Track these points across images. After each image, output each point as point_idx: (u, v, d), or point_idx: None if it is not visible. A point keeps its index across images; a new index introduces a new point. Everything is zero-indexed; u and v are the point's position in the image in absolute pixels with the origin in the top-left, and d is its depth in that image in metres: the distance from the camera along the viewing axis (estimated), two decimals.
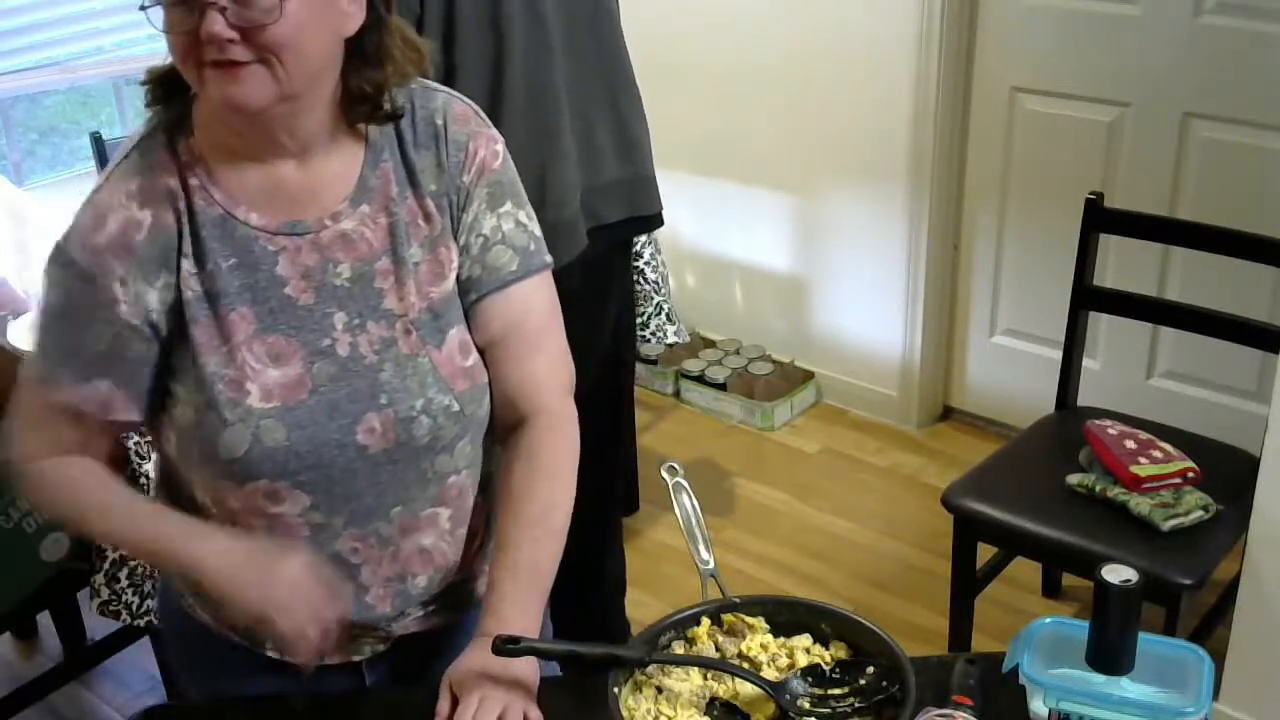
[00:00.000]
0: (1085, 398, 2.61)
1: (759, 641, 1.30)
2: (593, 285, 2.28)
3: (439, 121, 1.32)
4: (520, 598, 1.29)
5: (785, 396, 3.63)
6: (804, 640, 1.31)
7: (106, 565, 2.18)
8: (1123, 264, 2.95)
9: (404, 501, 1.32)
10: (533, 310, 1.36)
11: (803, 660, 1.28)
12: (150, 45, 3.04)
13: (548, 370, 1.38)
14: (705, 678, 1.28)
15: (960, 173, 3.33)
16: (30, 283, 2.70)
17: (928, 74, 3.17)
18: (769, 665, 1.28)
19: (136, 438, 2.04)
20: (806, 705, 1.24)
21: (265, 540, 1.29)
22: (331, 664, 1.39)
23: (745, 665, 1.29)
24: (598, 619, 2.54)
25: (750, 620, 1.32)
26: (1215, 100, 2.83)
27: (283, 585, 1.24)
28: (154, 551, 1.33)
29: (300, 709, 1.36)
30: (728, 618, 1.32)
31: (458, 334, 1.32)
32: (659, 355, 3.78)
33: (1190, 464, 2.25)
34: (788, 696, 1.24)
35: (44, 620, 2.77)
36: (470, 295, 1.33)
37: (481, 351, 1.35)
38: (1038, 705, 1.17)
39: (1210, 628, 2.36)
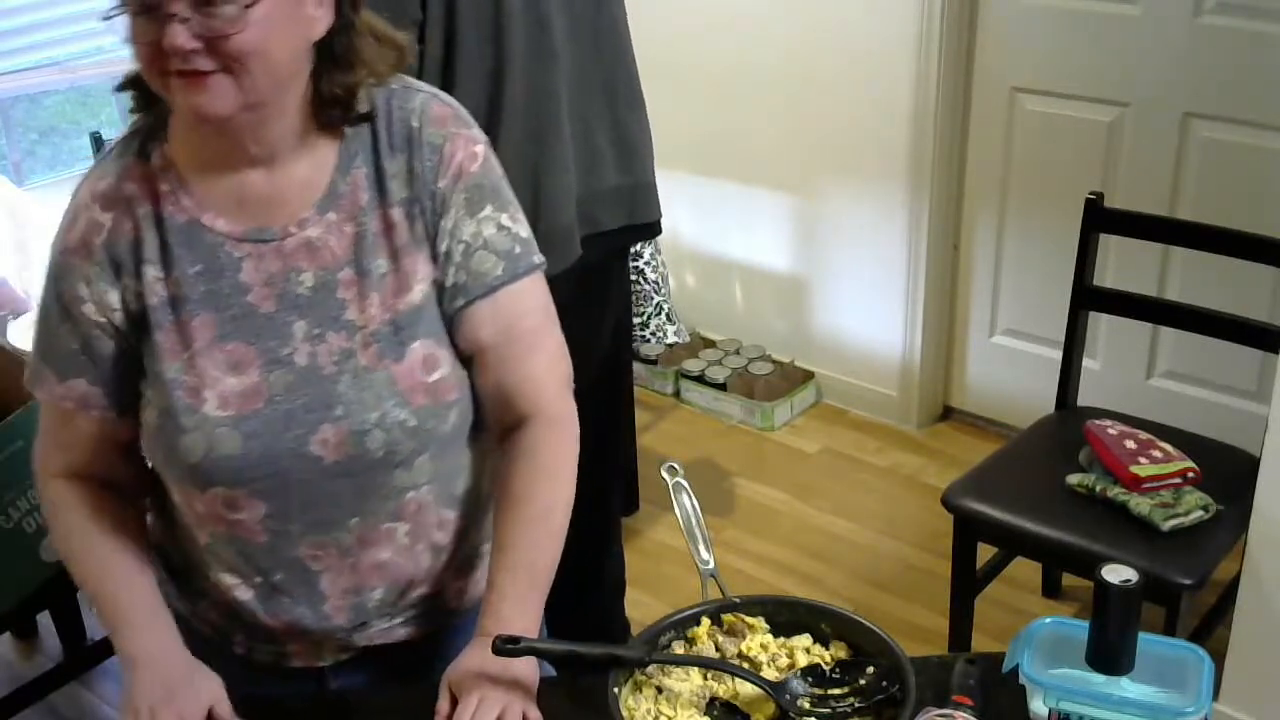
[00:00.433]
0: (1085, 398, 2.61)
1: (759, 641, 1.30)
2: (591, 291, 2.28)
3: (414, 124, 1.29)
4: (519, 598, 1.29)
5: (785, 396, 3.63)
6: (804, 640, 1.31)
7: None
8: (1123, 264, 2.95)
9: (361, 514, 1.31)
10: (524, 312, 1.34)
11: (803, 660, 1.28)
12: None
13: (545, 370, 1.36)
14: (705, 678, 1.28)
15: (960, 173, 3.32)
16: (30, 283, 2.70)
17: (928, 74, 3.17)
18: (769, 665, 1.28)
19: None
20: (806, 705, 1.24)
21: (188, 663, 1.30)
22: (294, 667, 1.40)
23: (745, 665, 1.28)
24: (596, 620, 2.53)
25: (750, 620, 1.32)
26: (1215, 100, 2.83)
27: (170, 714, 1.25)
28: (103, 617, 1.34)
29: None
30: (728, 618, 1.32)
31: (422, 348, 1.29)
32: (659, 355, 3.78)
33: (1190, 464, 2.25)
34: (788, 696, 1.24)
35: (44, 620, 2.77)
36: (457, 301, 1.30)
37: (474, 357, 1.33)
38: (1038, 705, 1.17)
39: (1210, 628, 2.36)
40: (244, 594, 1.35)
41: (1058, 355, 2.60)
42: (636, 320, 2.98)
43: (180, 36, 1.11)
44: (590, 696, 1.24)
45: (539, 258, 1.36)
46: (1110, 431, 2.33)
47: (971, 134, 3.27)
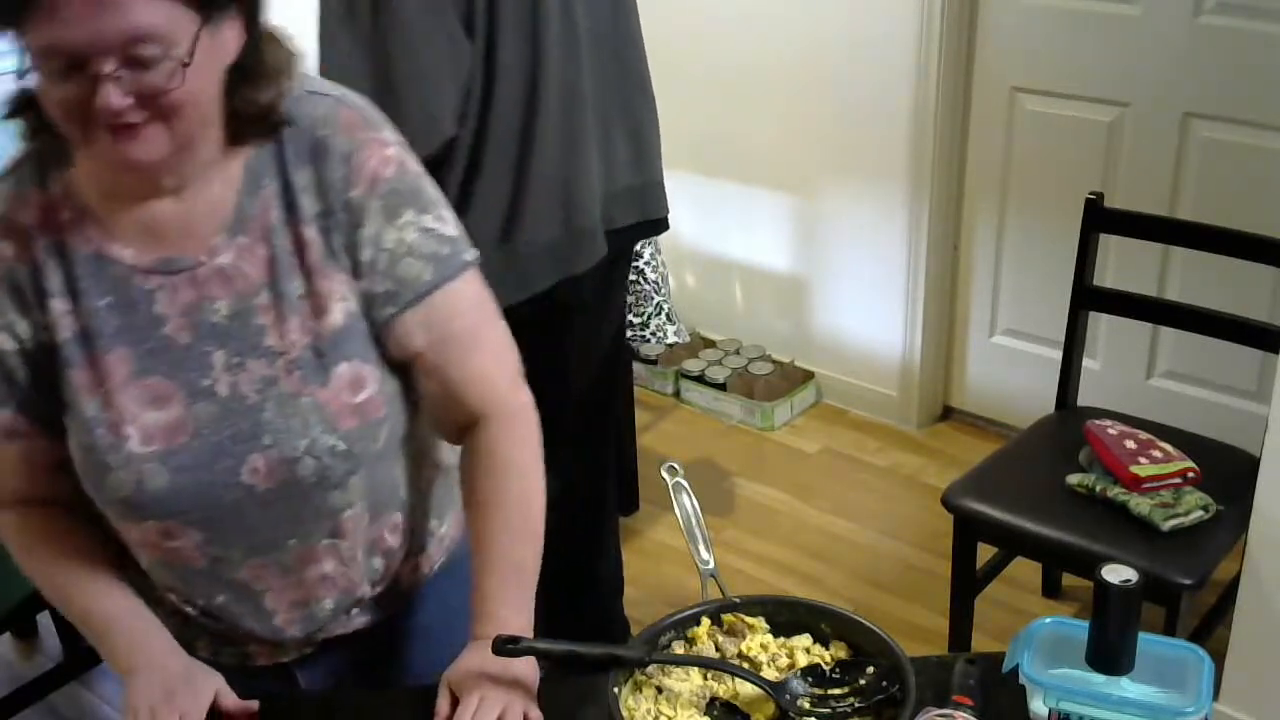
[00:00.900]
0: (1085, 398, 2.61)
1: (759, 641, 1.30)
2: (599, 289, 2.28)
3: (321, 133, 1.22)
4: (510, 599, 1.28)
5: (785, 396, 3.63)
6: (804, 640, 1.31)
7: None
8: (1123, 264, 2.95)
9: (298, 535, 1.28)
10: (459, 312, 1.29)
11: (803, 660, 1.28)
12: None
13: (492, 365, 1.32)
14: (705, 678, 1.28)
15: (960, 173, 3.32)
16: None
17: (928, 74, 3.17)
18: (769, 665, 1.28)
19: None
20: (806, 705, 1.24)
21: (185, 664, 1.30)
22: (260, 665, 1.39)
23: (745, 665, 1.28)
24: (595, 621, 2.53)
25: (750, 620, 1.32)
26: (1215, 100, 2.82)
27: (170, 712, 1.25)
28: (91, 639, 1.34)
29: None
30: (728, 618, 1.32)
31: (348, 369, 1.24)
32: (659, 355, 3.78)
33: (1190, 464, 2.25)
34: (788, 696, 1.24)
35: (44, 620, 2.77)
36: (387, 310, 1.25)
37: (411, 363, 1.29)
38: (1038, 705, 1.17)
39: (1210, 628, 2.36)
40: (192, 610, 1.35)
41: (1058, 355, 2.60)
42: (636, 320, 2.98)
43: (114, 97, 1.06)
44: (590, 696, 1.24)
45: (471, 254, 1.31)
46: (1110, 431, 2.33)
47: (971, 134, 3.27)
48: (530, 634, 1.27)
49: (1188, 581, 2.07)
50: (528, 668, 1.25)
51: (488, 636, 1.22)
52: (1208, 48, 2.80)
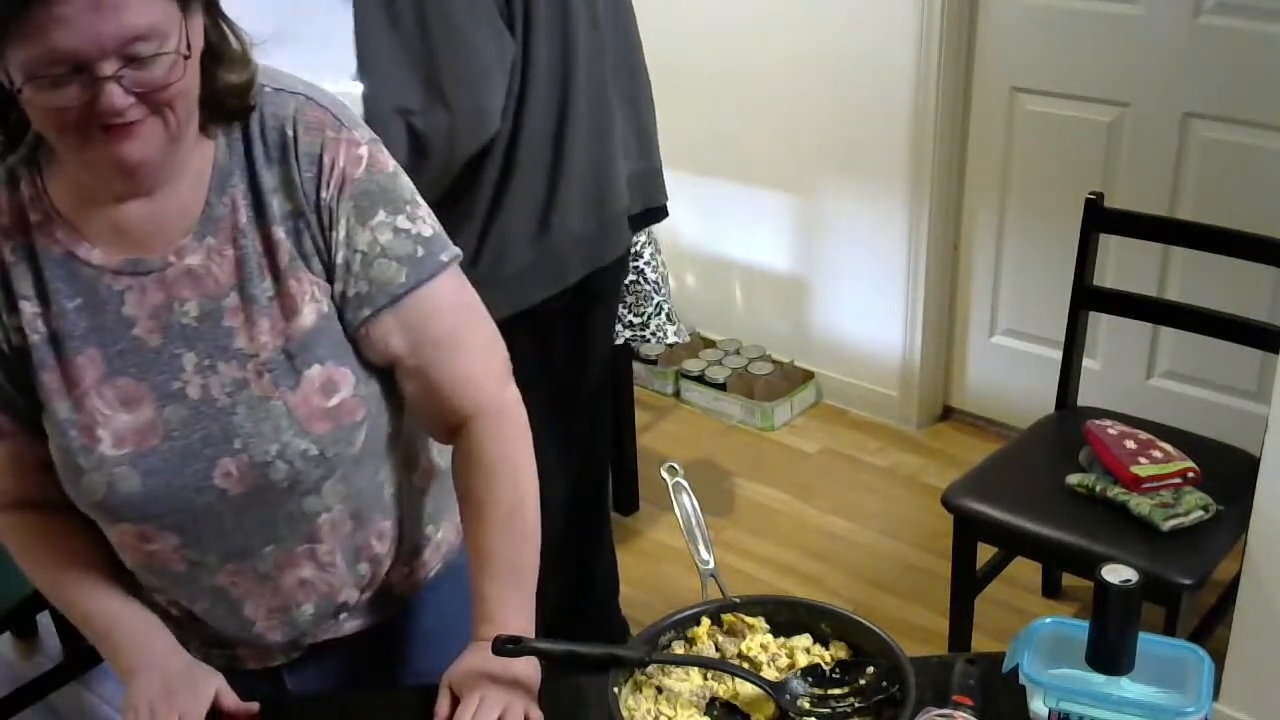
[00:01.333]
0: (1085, 398, 2.61)
1: (759, 641, 1.30)
2: (615, 277, 2.31)
3: (289, 131, 1.20)
4: (510, 600, 1.28)
5: (785, 396, 3.63)
6: (804, 640, 1.31)
7: None
8: (1123, 264, 2.95)
9: (274, 540, 1.28)
10: (438, 313, 1.26)
11: (803, 660, 1.28)
12: None
13: (478, 365, 1.30)
14: (705, 678, 1.28)
15: (960, 173, 3.32)
16: None
17: (928, 74, 3.17)
18: (769, 665, 1.28)
19: None
20: (806, 705, 1.24)
21: (186, 663, 1.31)
22: (248, 669, 1.39)
23: (745, 665, 1.28)
24: (591, 624, 2.53)
25: (750, 620, 1.32)
26: (1215, 100, 2.82)
27: (170, 710, 1.25)
28: (93, 640, 1.34)
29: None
30: (728, 618, 1.32)
31: (320, 372, 1.22)
32: (659, 355, 3.78)
33: (1190, 464, 2.25)
34: (788, 696, 1.24)
35: (44, 620, 2.77)
36: (362, 312, 1.23)
37: (392, 366, 1.27)
38: (1038, 705, 1.17)
39: (1210, 628, 2.36)
40: (176, 612, 1.35)
41: (1058, 355, 2.60)
42: (636, 320, 2.98)
43: (117, 97, 1.06)
44: (590, 696, 1.24)
45: (449, 254, 1.28)
46: (1110, 431, 2.33)
47: (971, 134, 3.27)
48: (531, 634, 1.27)
49: (1188, 581, 2.07)
50: (529, 668, 1.25)
51: (488, 638, 1.22)
52: (1208, 48, 2.80)
